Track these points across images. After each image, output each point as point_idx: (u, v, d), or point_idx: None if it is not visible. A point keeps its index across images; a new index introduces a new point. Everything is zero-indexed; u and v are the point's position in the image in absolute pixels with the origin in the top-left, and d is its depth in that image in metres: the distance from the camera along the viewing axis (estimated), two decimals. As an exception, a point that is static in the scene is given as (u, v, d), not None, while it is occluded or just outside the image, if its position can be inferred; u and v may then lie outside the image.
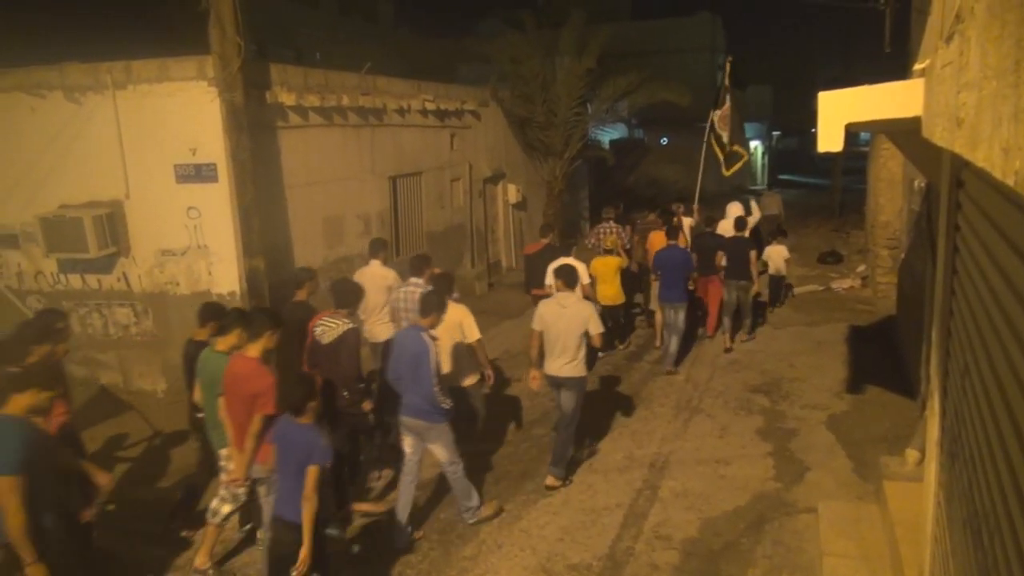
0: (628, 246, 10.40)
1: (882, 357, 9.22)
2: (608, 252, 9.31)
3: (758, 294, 10.67)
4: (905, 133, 4.18)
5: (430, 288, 6.23)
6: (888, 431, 7.12)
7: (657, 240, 9.59)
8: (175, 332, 8.21)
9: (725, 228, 10.74)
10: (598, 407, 7.82)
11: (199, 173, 7.82)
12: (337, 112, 9.38)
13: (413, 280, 6.80)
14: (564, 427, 6.33)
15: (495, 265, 14.61)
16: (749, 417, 7.72)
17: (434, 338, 5.41)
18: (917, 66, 3.54)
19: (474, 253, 13.60)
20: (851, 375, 8.74)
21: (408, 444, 5.57)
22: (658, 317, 9.70)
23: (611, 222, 10.36)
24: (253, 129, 7.68)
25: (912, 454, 5.59)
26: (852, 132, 4.24)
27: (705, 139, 11.82)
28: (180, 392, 8.08)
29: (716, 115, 11.49)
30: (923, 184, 7.65)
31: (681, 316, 8.99)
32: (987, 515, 2.31)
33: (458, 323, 6.13)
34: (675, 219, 10.47)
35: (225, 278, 7.99)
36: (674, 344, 9.07)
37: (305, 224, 8.91)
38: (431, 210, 12.01)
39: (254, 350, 4.75)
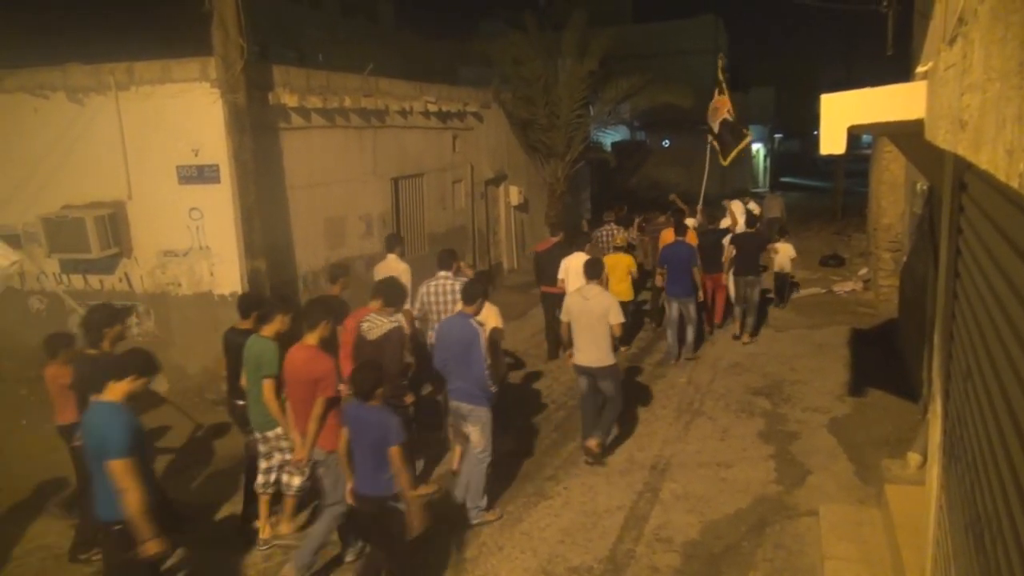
0: (635, 243, 10.80)
1: (884, 360, 9.20)
2: (618, 249, 9.68)
3: (767, 290, 10.95)
4: (908, 136, 4.17)
5: (463, 279, 6.65)
6: (890, 434, 7.11)
7: (668, 238, 9.79)
8: (177, 333, 8.23)
9: (726, 225, 11.02)
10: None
11: (201, 174, 7.83)
12: (339, 113, 9.39)
13: (442, 274, 6.97)
14: (611, 407, 6.69)
15: (497, 267, 14.61)
16: (750, 420, 7.71)
17: (481, 324, 5.71)
18: (920, 68, 3.54)
19: (476, 255, 13.60)
20: (853, 378, 8.72)
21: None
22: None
23: (612, 224, 10.66)
24: (255, 130, 7.69)
25: (914, 457, 5.58)
26: (854, 135, 4.24)
27: (708, 141, 11.88)
28: (181, 392, 8.12)
29: (709, 107, 11.69)
30: (925, 187, 7.64)
31: (691, 307, 9.35)
32: (989, 519, 2.31)
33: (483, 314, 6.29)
34: (674, 201, 11.55)
35: (227, 279, 7.99)
36: (690, 333, 9.49)
37: (307, 225, 8.91)
38: (433, 211, 12.01)
39: (312, 338, 5.01)
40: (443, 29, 29.89)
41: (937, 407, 3.95)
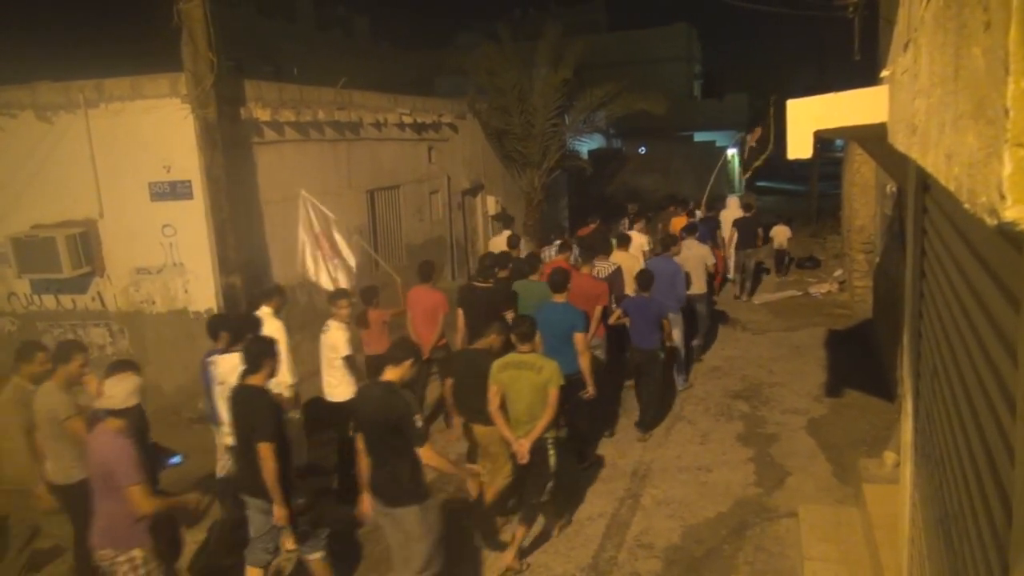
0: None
1: (860, 360, 9.29)
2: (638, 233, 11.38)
3: (760, 262, 13.97)
4: (874, 139, 4.23)
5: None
6: (867, 434, 7.17)
7: (678, 223, 11.69)
8: (152, 351, 8.13)
9: (726, 216, 13.49)
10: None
11: (174, 190, 7.77)
12: (313, 127, 9.36)
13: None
14: (701, 323, 9.57)
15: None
16: (730, 423, 7.75)
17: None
18: (883, 73, 3.59)
19: (454, 265, 13.59)
20: (830, 379, 8.80)
21: None
22: None
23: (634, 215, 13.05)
24: (228, 145, 7.64)
25: (890, 456, 5.63)
26: (827, 139, 4.29)
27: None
28: (157, 411, 7.99)
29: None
30: (895, 189, 7.75)
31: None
32: (956, 516, 2.33)
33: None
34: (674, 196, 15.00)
35: (202, 295, 7.92)
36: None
37: (283, 239, 8.84)
38: (410, 223, 11.99)
39: (587, 269, 7.60)
40: (419, 42, 29.97)
41: (908, 405, 4.00)
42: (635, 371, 7.64)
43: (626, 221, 13.24)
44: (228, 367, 5.26)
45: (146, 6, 7.98)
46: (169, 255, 7.92)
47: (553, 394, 5.05)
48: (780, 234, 14.88)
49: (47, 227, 7.81)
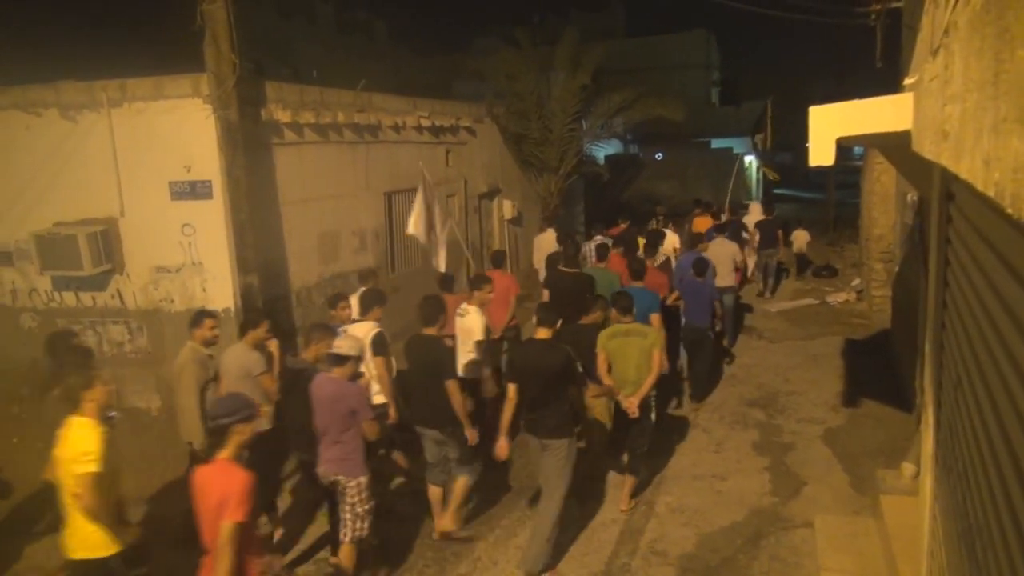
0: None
1: (878, 370, 9.21)
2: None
3: (781, 262, 14.72)
4: (896, 147, 4.20)
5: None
6: (884, 444, 7.11)
7: (701, 224, 12.92)
8: (169, 349, 8.16)
9: (749, 220, 14.47)
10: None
11: (194, 190, 7.82)
12: (332, 129, 9.40)
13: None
14: (728, 316, 10.20)
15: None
16: (745, 431, 7.70)
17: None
18: (907, 80, 3.57)
19: (470, 268, 13.57)
20: (847, 388, 8.73)
21: None
22: None
23: (662, 217, 14.33)
24: (248, 146, 7.68)
25: (908, 467, 5.57)
26: (846, 146, 4.26)
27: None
28: (172, 409, 8.06)
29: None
30: (915, 198, 7.68)
31: None
32: (980, 529, 2.30)
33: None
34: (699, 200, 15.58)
35: (220, 295, 7.95)
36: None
37: (300, 240, 8.90)
38: (427, 226, 11.99)
39: (651, 262, 8.75)
40: (438, 46, 30.10)
41: (929, 416, 3.96)
42: (688, 347, 8.55)
43: (655, 221, 14.37)
44: (361, 333, 5.94)
45: (169, 7, 8.05)
46: (188, 254, 7.97)
47: (657, 356, 5.86)
48: (800, 238, 15.82)
49: (69, 224, 7.88)
